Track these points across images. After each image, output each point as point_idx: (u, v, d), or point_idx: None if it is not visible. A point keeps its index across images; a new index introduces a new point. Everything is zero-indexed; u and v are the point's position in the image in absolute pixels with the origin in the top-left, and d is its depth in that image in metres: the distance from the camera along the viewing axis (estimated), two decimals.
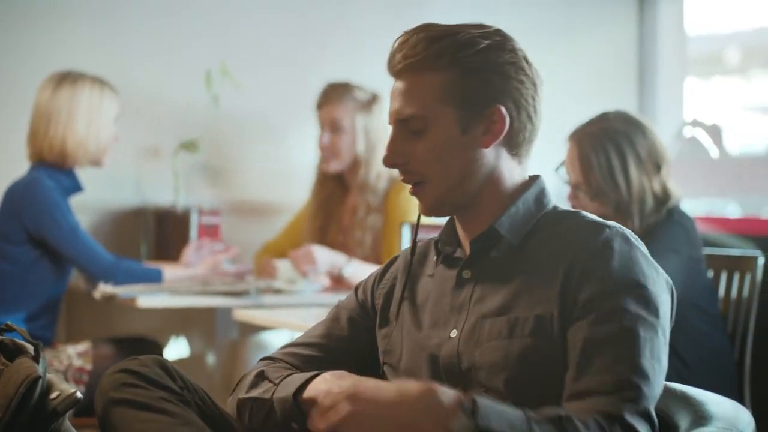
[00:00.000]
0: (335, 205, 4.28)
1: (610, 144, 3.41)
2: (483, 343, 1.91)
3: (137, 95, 4.64)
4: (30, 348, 1.99)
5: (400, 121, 1.98)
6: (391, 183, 4.14)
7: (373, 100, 4.17)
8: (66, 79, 3.93)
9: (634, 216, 3.39)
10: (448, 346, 1.95)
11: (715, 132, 5.21)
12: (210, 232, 4.44)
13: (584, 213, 1.99)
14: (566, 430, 1.71)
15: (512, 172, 2.00)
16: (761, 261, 3.47)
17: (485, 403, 1.71)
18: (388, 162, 1.99)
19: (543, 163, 3.96)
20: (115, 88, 3.99)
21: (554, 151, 3.64)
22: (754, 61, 6.05)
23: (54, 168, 3.90)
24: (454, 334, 1.95)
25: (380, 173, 4.15)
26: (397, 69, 1.97)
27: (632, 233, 1.93)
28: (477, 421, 1.68)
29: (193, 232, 4.41)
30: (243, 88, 4.58)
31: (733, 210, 5.06)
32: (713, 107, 5.82)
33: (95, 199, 4.44)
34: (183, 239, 4.40)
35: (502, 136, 1.95)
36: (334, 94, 4.17)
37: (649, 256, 1.91)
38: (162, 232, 4.51)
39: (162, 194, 4.67)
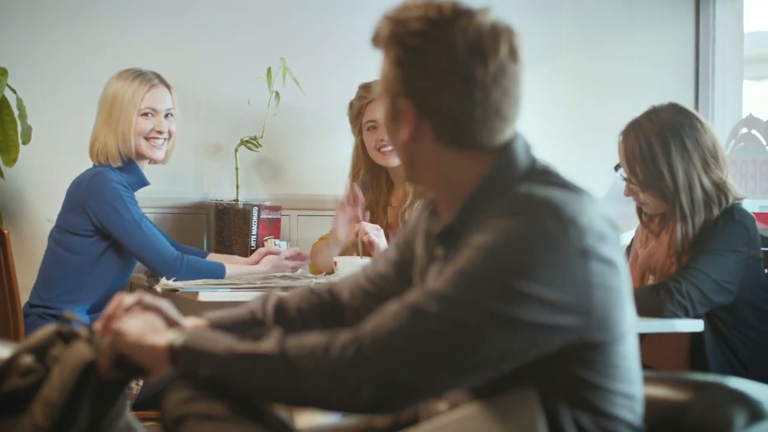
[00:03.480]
0: (379, 191, 4.29)
1: (652, 133, 3.40)
2: None
3: (199, 93, 4.71)
4: (84, 333, 2.04)
5: None
6: None
7: None
8: (110, 78, 3.94)
9: (684, 206, 3.37)
10: None
11: None
12: (270, 227, 4.49)
13: (525, 192, 1.85)
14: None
15: (468, 165, 1.93)
16: None
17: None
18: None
19: (601, 161, 3.99)
20: (152, 77, 3.91)
21: (611, 150, 3.66)
22: None
23: (111, 167, 3.88)
24: None
25: None
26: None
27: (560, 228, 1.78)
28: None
29: (254, 227, 4.45)
30: (303, 85, 4.62)
31: None
32: None
33: (158, 194, 4.48)
34: (244, 234, 4.45)
35: (419, 131, 1.91)
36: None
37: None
38: (223, 227, 4.54)
39: (223, 190, 4.71)
